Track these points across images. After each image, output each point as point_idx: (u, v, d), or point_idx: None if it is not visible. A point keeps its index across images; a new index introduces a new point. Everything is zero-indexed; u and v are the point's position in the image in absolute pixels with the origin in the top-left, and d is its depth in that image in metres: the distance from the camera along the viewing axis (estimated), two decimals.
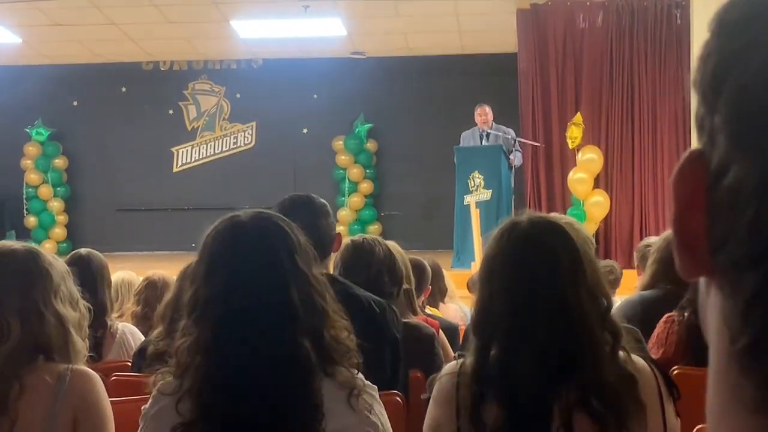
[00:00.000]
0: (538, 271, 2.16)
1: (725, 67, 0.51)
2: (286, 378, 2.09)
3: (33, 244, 2.71)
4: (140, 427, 2.23)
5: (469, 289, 5.92)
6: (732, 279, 0.50)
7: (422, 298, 4.57)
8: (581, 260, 2.17)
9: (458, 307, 5.88)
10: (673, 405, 2.23)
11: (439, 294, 5.50)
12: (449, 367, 2.34)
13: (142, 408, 2.25)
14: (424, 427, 2.31)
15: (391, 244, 3.56)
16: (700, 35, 10.03)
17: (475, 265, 9.19)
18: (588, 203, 11.17)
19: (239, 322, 2.12)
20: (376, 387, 2.28)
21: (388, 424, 2.27)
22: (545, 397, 2.10)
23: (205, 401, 2.10)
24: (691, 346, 3.16)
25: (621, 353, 2.20)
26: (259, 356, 2.09)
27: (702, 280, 0.55)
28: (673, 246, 0.54)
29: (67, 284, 2.58)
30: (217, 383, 2.11)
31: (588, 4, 11.67)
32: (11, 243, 2.62)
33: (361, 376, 2.23)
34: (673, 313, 3.38)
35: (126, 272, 5.13)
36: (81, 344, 2.55)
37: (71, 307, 2.55)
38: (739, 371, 0.51)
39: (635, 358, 2.24)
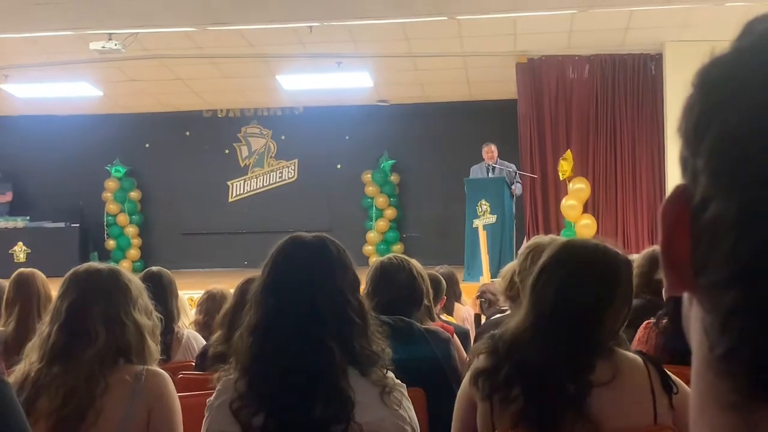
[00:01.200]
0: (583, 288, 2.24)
1: (707, 118, 0.51)
2: (313, 366, 2.12)
3: (114, 264, 2.73)
4: (205, 417, 2.24)
5: (481, 297, 5.93)
6: (711, 296, 0.50)
7: (438, 306, 4.56)
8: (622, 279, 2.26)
9: (467, 311, 5.91)
10: (668, 398, 2.20)
11: (454, 296, 5.64)
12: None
13: (207, 401, 2.26)
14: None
15: (414, 263, 3.54)
16: (671, 84, 10.02)
17: (483, 279, 9.17)
18: (578, 225, 11.14)
19: (281, 314, 2.17)
20: (405, 385, 2.27)
21: (415, 417, 2.27)
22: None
23: (253, 376, 2.13)
24: (667, 348, 3.13)
25: (618, 350, 2.24)
26: (291, 345, 2.13)
27: (686, 295, 0.55)
28: (662, 266, 0.54)
29: (143, 297, 2.60)
30: (261, 360, 2.15)
31: (576, 58, 11.67)
32: (97, 264, 2.65)
33: (392, 375, 2.23)
34: (651, 320, 3.36)
35: (186, 290, 5.13)
36: (154, 348, 2.57)
37: (146, 316, 2.56)
38: (716, 374, 0.50)
39: (630, 354, 2.27)
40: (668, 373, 2.25)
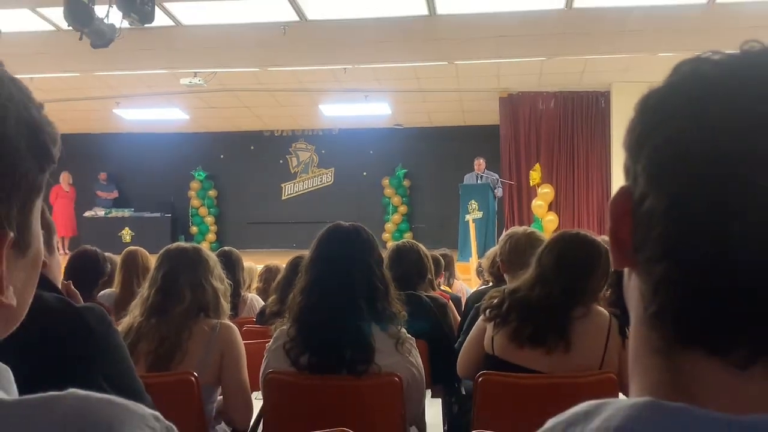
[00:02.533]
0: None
1: (645, 135, 0.51)
2: (345, 319, 2.13)
3: (196, 244, 2.75)
4: (264, 358, 2.25)
5: (478, 274, 5.89)
6: (646, 269, 0.50)
7: (439, 279, 4.55)
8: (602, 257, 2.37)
9: (461, 285, 5.88)
10: (622, 339, 2.30)
11: (452, 276, 5.56)
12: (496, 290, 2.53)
13: (266, 346, 2.27)
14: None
15: (421, 246, 3.54)
16: (616, 114, 10.02)
17: (472, 260, 9.15)
18: (545, 220, 11.10)
19: (324, 278, 2.18)
20: (414, 339, 2.28)
21: (420, 362, 2.28)
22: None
23: (301, 324, 2.15)
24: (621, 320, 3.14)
25: (594, 304, 2.36)
26: (331, 302, 2.14)
27: (626, 270, 0.55)
28: (609, 246, 0.54)
29: (218, 268, 2.61)
30: (307, 312, 2.16)
31: (545, 94, 11.61)
32: (184, 243, 2.66)
33: (404, 330, 2.24)
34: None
35: (249, 263, 5.14)
36: (226, 306, 2.58)
37: (220, 282, 2.57)
38: (649, 328, 0.51)
39: (600, 308, 2.37)
40: (625, 324, 2.30)
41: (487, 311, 2.41)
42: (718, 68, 0.50)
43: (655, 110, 0.51)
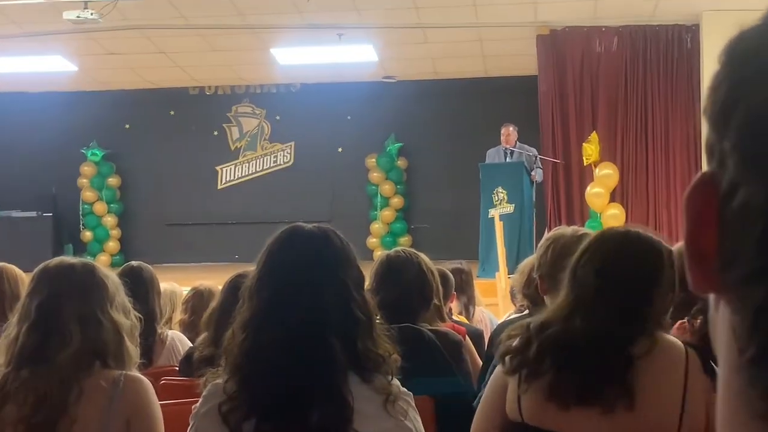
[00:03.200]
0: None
1: (734, 95, 0.51)
2: (312, 366, 2.12)
3: (89, 259, 2.74)
4: (190, 425, 2.25)
5: (512, 296, 5.87)
6: (740, 294, 0.50)
7: (448, 305, 4.55)
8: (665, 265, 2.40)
9: (483, 312, 5.85)
10: (708, 380, 2.28)
11: (470, 302, 5.49)
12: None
13: (193, 407, 2.27)
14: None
15: (423, 258, 3.53)
16: (709, 58, 10.09)
17: (500, 275, 9.16)
18: (605, 216, 11.12)
19: (278, 309, 2.17)
20: (411, 394, 2.28)
21: (422, 428, 2.28)
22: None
23: (244, 376, 2.14)
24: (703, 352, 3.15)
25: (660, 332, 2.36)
26: (289, 342, 2.14)
27: (711, 297, 0.55)
28: (685, 262, 0.54)
29: (121, 295, 2.61)
30: (253, 357, 2.15)
31: (603, 29, 11.64)
32: (70, 259, 2.66)
33: (396, 382, 2.24)
34: (685, 320, 3.36)
35: (170, 284, 5.12)
36: (133, 350, 2.57)
37: (125, 315, 2.57)
38: (747, 381, 0.51)
39: (669, 337, 2.38)
40: (708, 357, 2.32)
41: (507, 358, 2.39)
42: None
43: (748, 60, 0.51)
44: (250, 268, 2.34)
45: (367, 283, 2.59)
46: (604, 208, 11.24)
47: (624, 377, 2.25)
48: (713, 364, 2.29)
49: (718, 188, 0.52)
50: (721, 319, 0.54)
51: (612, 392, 2.25)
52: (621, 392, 2.25)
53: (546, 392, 2.31)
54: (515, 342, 2.39)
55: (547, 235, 3.47)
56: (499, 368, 2.47)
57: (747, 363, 0.50)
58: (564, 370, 2.30)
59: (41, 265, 2.59)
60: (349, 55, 12.27)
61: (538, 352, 2.32)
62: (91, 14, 9.69)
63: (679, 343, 2.36)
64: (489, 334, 4.45)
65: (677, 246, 3.79)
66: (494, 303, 8.08)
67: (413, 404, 2.27)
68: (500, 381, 2.47)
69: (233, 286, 3.43)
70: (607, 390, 2.25)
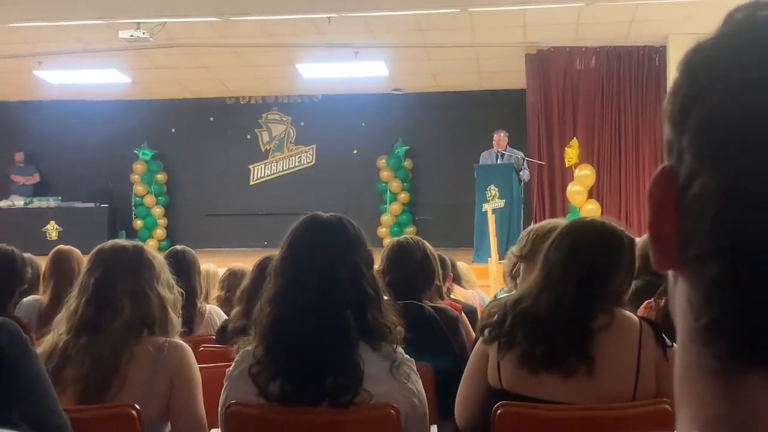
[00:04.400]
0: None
1: (691, 99, 0.51)
2: (327, 333, 2.13)
3: (139, 242, 2.75)
4: (224, 386, 2.25)
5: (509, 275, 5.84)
6: (696, 270, 0.50)
7: (446, 284, 4.55)
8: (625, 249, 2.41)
9: (476, 293, 5.85)
10: (661, 350, 2.30)
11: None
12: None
13: (226, 370, 2.27)
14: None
15: (427, 245, 3.53)
16: (674, 75, 10.11)
17: (491, 261, 9.16)
18: (583, 210, 11.10)
19: (300, 283, 2.18)
20: (413, 360, 2.28)
21: (422, 390, 2.28)
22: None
23: (270, 342, 2.15)
24: (667, 327, 3.14)
25: (619, 308, 2.36)
26: (308, 313, 2.14)
27: (671, 273, 0.55)
28: (649, 244, 0.54)
29: (166, 273, 2.61)
30: (278, 326, 2.16)
31: (583, 50, 11.61)
32: (122, 241, 2.67)
33: (401, 350, 2.24)
34: (651, 300, 3.35)
35: (209, 265, 5.13)
36: (176, 321, 2.58)
37: (169, 290, 2.57)
38: (701, 344, 0.51)
39: (627, 312, 2.38)
40: (661, 331, 2.35)
41: (486, 331, 2.40)
42: None
43: (703, 68, 0.51)
44: (276, 253, 2.34)
45: (377, 266, 2.60)
46: (583, 203, 11.22)
47: (584, 347, 2.26)
48: (665, 337, 2.31)
49: (677, 179, 0.51)
50: (679, 292, 0.53)
51: (574, 360, 2.26)
52: (582, 360, 2.25)
53: (518, 360, 2.32)
54: (495, 317, 2.39)
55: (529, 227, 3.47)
56: (479, 341, 2.47)
57: (702, 329, 0.50)
58: (533, 341, 2.30)
59: (97, 247, 2.59)
60: (364, 71, 12.26)
61: (512, 324, 2.33)
62: (143, 34, 9.70)
63: (635, 318, 2.36)
64: (482, 311, 4.45)
65: (644, 236, 3.80)
66: (486, 285, 8.07)
67: (415, 369, 2.27)
68: (481, 350, 2.47)
69: (261, 267, 3.44)
70: (570, 358, 2.26)
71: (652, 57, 11.44)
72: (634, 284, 3.79)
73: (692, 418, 0.52)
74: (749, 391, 0.48)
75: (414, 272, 3.36)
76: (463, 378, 2.54)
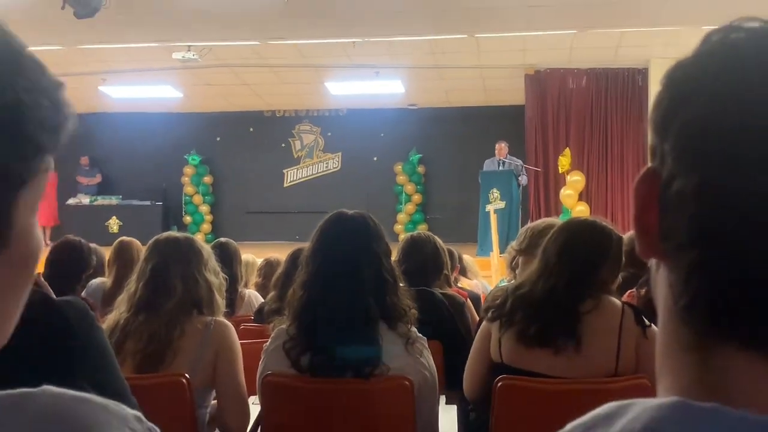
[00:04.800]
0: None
1: (672, 111, 0.51)
2: (351, 314, 2.14)
3: (189, 234, 2.76)
4: (261, 360, 2.27)
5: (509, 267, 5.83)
6: (675, 257, 0.50)
7: (454, 274, 4.54)
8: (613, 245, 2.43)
9: (479, 282, 5.84)
10: (641, 330, 2.30)
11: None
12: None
13: (263, 345, 2.29)
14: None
15: (437, 239, 3.53)
16: (656, 93, 10.06)
17: (493, 255, 9.14)
18: (574, 211, 11.05)
19: (327, 270, 2.18)
20: (425, 338, 2.29)
21: (433, 364, 2.29)
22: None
23: (302, 321, 2.16)
24: (648, 313, 3.13)
25: (603, 295, 2.37)
26: (335, 297, 2.15)
27: (653, 261, 0.55)
28: (635, 235, 0.54)
29: (212, 261, 2.62)
30: (309, 309, 2.17)
31: (576, 71, 11.57)
32: (175, 233, 2.68)
33: (414, 329, 2.24)
34: (633, 290, 3.34)
35: (249, 256, 5.15)
36: (221, 302, 2.59)
37: (215, 276, 2.59)
38: (680, 322, 0.51)
39: (611, 298, 2.39)
40: (641, 313, 2.35)
41: (490, 311, 2.43)
42: (751, 36, 0.50)
43: (682, 83, 0.51)
44: (307, 245, 2.35)
45: (394, 257, 2.60)
46: (574, 205, 11.18)
47: (573, 328, 2.28)
48: (644, 318, 2.32)
49: (660, 179, 0.52)
50: (661, 278, 0.54)
51: (563, 339, 2.28)
52: (570, 338, 2.28)
53: (516, 337, 2.34)
54: (498, 300, 2.43)
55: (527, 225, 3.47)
56: (484, 321, 2.50)
57: (680, 309, 0.50)
58: (529, 321, 2.33)
59: (154, 238, 2.61)
60: (383, 88, 12.27)
61: (512, 306, 2.36)
62: (193, 55, 9.75)
63: (619, 302, 2.37)
64: (485, 298, 4.44)
65: (631, 232, 3.80)
66: (489, 275, 8.06)
67: (427, 346, 2.28)
68: (485, 329, 2.50)
69: (294, 258, 3.45)
70: (560, 337, 2.29)
71: (635, 78, 11.38)
72: (620, 275, 3.79)
73: (671, 386, 0.52)
74: (722, 362, 0.48)
75: (426, 262, 3.37)
76: (470, 355, 2.56)
